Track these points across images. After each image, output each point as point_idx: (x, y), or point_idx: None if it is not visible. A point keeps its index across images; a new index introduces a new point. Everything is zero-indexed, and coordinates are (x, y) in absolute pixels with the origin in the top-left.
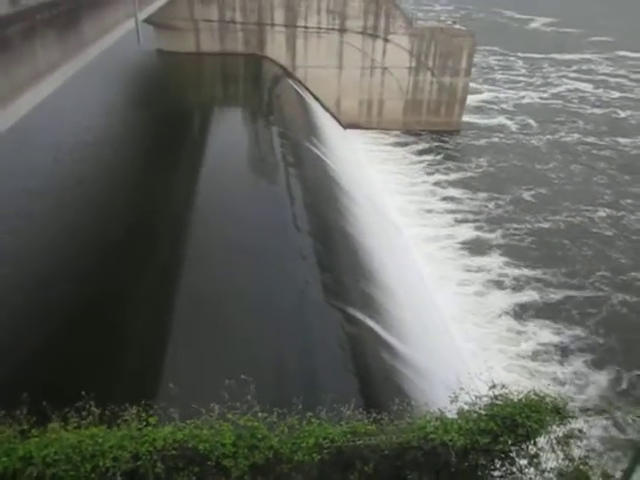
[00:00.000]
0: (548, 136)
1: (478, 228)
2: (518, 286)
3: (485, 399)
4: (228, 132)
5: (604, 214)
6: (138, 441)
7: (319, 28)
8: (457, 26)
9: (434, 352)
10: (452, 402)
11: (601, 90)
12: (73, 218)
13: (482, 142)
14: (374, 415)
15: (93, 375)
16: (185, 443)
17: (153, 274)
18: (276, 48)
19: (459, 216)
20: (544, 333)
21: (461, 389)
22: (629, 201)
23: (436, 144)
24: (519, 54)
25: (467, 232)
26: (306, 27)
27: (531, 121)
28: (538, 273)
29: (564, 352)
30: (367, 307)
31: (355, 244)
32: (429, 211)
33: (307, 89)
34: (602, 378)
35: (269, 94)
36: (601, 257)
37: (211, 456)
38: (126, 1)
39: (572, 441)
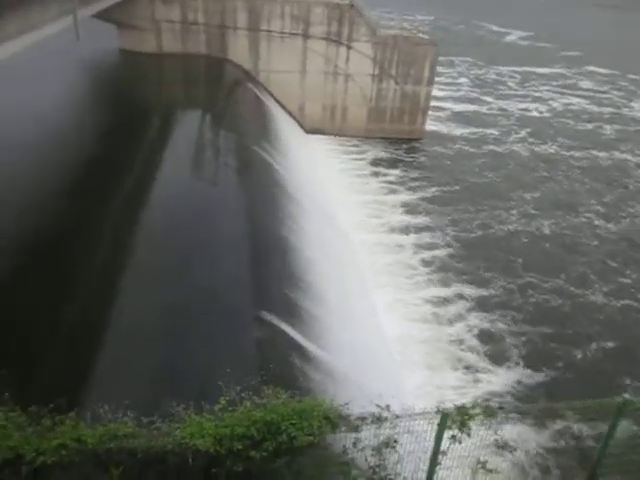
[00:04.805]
0: (516, 146)
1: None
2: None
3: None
4: (180, 136)
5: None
6: None
7: (282, 33)
8: (421, 35)
9: (358, 358)
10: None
11: (570, 101)
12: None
13: (444, 150)
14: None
15: None
16: None
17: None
18: (239, 51)
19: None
20: None
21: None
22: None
23: (396, 151)
24: (493, 66)
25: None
26: (269, 31)
27: (494, 131)
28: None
29: None
30: (288, 313)
31: (292, 252)
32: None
33: (270, 93)
34: None
35: (228, 97)
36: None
37: None
38: None
39: (386, 450)
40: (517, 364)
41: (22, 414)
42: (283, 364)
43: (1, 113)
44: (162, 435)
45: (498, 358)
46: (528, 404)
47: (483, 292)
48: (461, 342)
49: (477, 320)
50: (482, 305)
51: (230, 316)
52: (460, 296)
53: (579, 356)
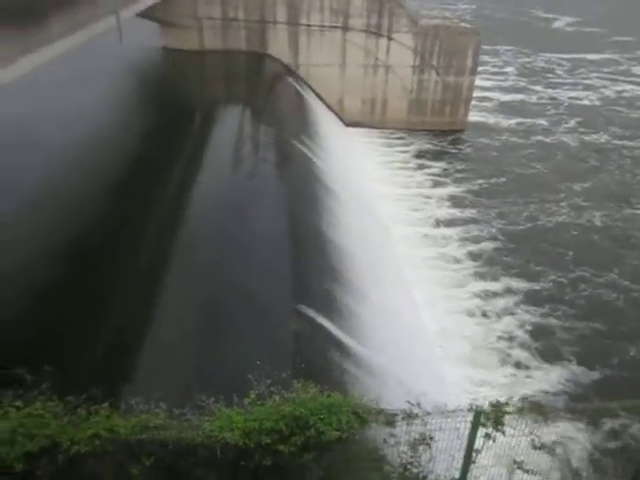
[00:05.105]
0: (565, 136)
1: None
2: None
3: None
4: (221, 132)
5: None
6: None
7: (322, 26)
8: (463, 24)
9: (398, 353)
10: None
11: (622, 88)
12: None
13: (490, 142)
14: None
15: None
16: None
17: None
18: (278, 46)
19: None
20: None
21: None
22: None
23: (441, 143)
24: (540, 54)
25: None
26: (309, 25)
27: (543, 121)
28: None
29: None
30: (328, 308)
31: (330, 245)
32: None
33: (310, 87)
34: None
35: (268, 92)
36: None
37: None
38: None
39: (419, 447)
40: (569, 361)
41: (59, 404)
42: (320, 358)
43: (48, 115)
44: (192, 427)
45: (549, 355)
46: (575, 403)
47: (533, 286)
48: (510, 338)
49: (527, 315)
50: (532, 299)
51: (269, 309)
52: (508, 290)
53: (634, 354)
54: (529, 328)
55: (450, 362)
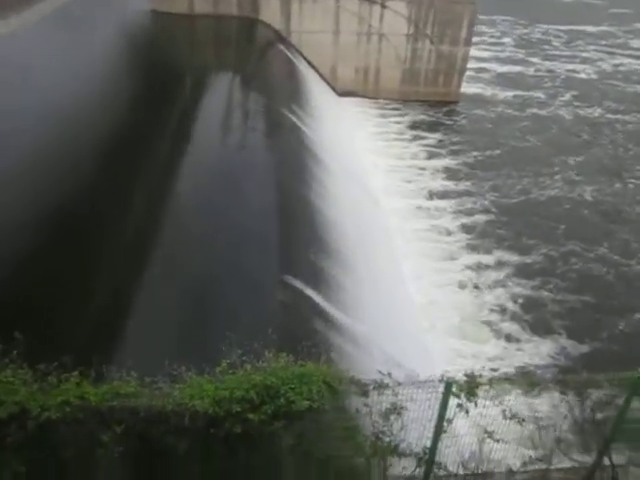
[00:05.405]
0: (560, 110)
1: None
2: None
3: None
4: (211, 100)
5: None
6: None
7: None
8: None
9: (385, 325)
10: None
11: (620, 61)
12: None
13: (486, 113)
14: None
15: None
16: None
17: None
18: (271, 12)
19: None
20: None
21: None
22: None
23: (436, 114)
24: (537, 25)
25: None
26: None
27: (539, 94)
28: None
29: None
30: (314, 279)
31: (319, 217)
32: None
33: (302, 55)
34: None
35: (259, 59)
36: None
37: None
38: None
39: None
40: (559, 334)
41: (29, 371)
42: (306, 328)
43: (35, 79)
44: (163, 395)
45: (539, 327)
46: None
47: (524, 259)
48: (500, 310)
49: (518, 288)
50: (523, 272)
51: (255, 280)
52: (500, 263)
53: (623, 327)
54: (520, 301)
55: (438, 334)
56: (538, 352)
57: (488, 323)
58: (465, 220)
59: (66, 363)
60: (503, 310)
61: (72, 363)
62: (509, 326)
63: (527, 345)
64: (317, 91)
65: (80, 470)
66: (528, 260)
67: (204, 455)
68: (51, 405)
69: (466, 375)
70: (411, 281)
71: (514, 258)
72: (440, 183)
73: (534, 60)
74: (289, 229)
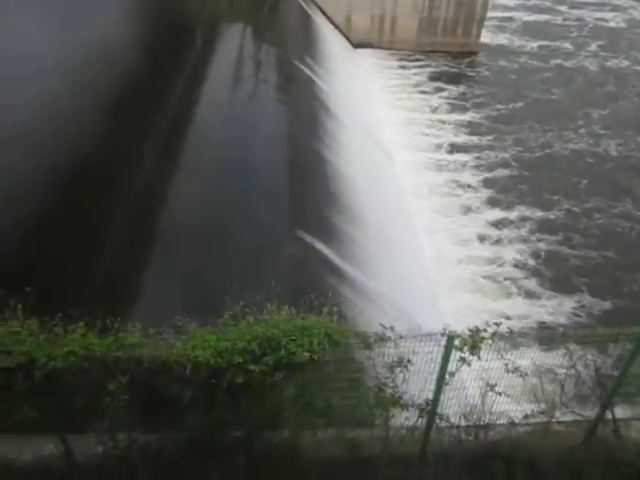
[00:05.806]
0: (586, 60)
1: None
2: None
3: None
4: (222, 51)
5: None
6: None
7: None
8: None
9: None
10: None
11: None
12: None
13: (509, 64)
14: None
15: None
16: None
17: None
18: None
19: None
20: None
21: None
22: None
23: (456, 66)
24: None
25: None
26: None
27: (566, 44)
28: None
29: None
30: (326, 233)
31: (330, 169)
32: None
33: (316, 4)
34: None
35: (272, 9)
36: None
37: None
38: None
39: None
40: (581, 291)
41: (36, 322)
42: (316, 282)
43: (40, 31)
44: (166, 346)
45: (560, 284)
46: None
47: (546, 214)
48: (521, 266)
49: (539, 244)
50: (545, 228)
51: (266, 234)
52: (522, 218)
53: None
54: (542, 256)
55: (455, 290)
56: (560, 310)
57: (508, 279)
58: (486, 175)
59: (72, 315)
60: (524, 266)
61: (79, 315)
62: (529, 282)
63: (549, 302)
64: (331, 42)
65: (88, 417)
66: (550, 216)
67: (208, 405)
68: (57, 355)
69: (470, 330)
70: (427, 236)
71: (536, 213)
72: (459, 137)
73: (562, 8)
74: (301, 183)
